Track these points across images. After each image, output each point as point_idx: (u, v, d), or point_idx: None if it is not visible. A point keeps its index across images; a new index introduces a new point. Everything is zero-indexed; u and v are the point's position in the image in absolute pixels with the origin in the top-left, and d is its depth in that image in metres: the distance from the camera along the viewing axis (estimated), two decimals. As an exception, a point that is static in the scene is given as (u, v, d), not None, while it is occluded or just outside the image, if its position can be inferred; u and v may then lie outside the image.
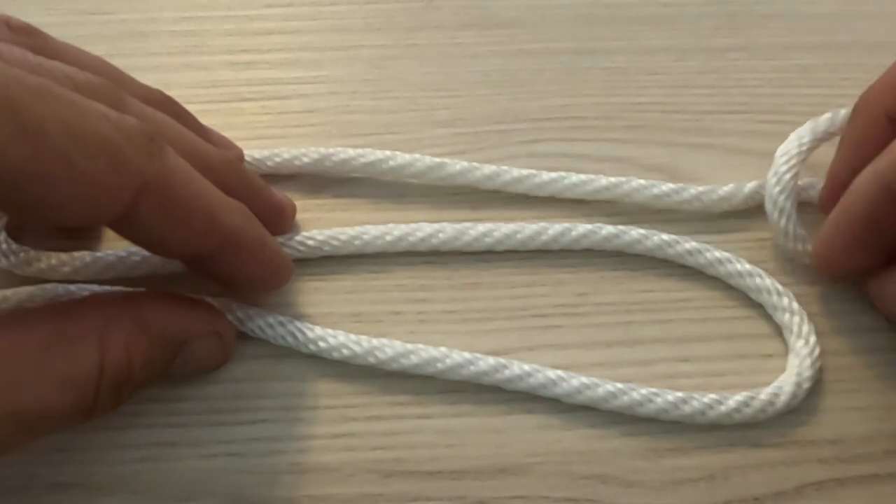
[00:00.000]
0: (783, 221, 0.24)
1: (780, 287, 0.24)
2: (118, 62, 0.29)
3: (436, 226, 0.25)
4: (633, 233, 0.25)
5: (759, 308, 0.24)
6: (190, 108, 0.28)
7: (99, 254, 0.24)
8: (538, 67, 0.30)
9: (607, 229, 0.25)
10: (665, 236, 0.25)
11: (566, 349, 0.24)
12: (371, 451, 0.22)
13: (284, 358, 0.23)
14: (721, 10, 0.33)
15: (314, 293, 0.25)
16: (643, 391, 0.22)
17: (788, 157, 0.25)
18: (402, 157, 0.26)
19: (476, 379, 0.22)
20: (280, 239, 0.25)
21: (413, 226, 0.25)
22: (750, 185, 0.26)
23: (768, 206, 0.25)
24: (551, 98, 0.29)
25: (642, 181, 0.26)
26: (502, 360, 0.22)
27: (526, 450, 0.22)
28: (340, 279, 0.25)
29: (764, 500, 0.21)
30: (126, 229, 0.20)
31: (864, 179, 0.22)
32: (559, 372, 0.22)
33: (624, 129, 0.28)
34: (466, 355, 0.22)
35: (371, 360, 0.22)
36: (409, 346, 0.23)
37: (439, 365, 0.22)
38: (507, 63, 0.31)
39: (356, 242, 0.25)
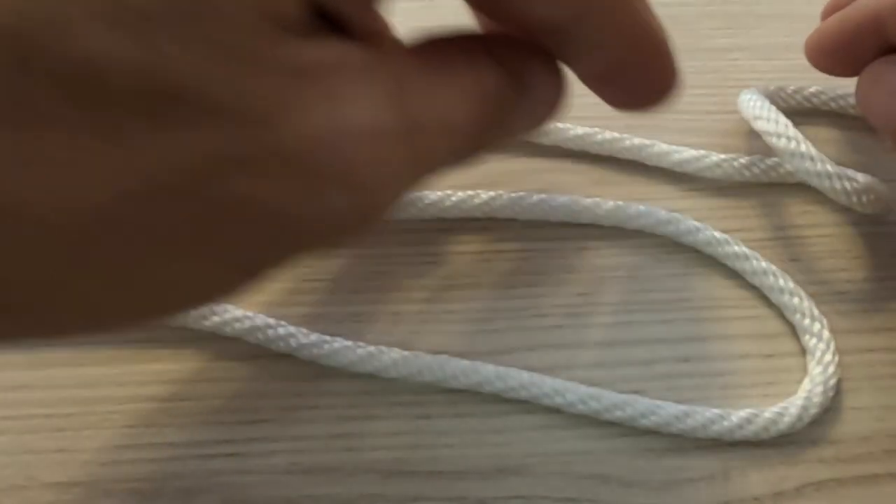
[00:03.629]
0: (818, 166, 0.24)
1: (815, 311, 0.24)
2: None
3: (492, 193, 0.26)
4: (685, 224, 0.25)
5: (763, 308, 0.24)
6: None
7: None
8: (538, 67, 0.30)
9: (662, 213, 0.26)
10: (717, 234, 0.25)
11: (566, 349, 0.24)
12: (371, 451, 0.22)
13: (285, 358, 0.23)
14: (721, 10, 0.33)
15: (314, 293, 0.25)
16: (645, 403, 0.22)
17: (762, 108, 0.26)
18: None
19: (476, 388, 0.22)
20: None
21: (470, 193, 0.26)
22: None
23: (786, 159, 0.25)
24: (551, 98, 0.29)
25: (664, 146, 0.27)
26: (502, 369, 0.22)
27: (526, 450, 0.22)
28: (341, 279, 0.25)
29: (764, 500, 0.21)
30: None
31: (860, 4, 0.24)
32: (560, 381, 0.22)
33: (624, 129, 0.28)
34: (466, 363, 0.22)
35: (369, 367, 0.22)
36: (408, 354, 0.23)
37: (438, 373, 0.22)
38: (507, 63, 0.31)
39: (427, 205, 0.26)
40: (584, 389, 0.22)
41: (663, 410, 0.22)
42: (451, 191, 0.26)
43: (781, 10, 0.33)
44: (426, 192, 0.26)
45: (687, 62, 0.31)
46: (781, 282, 0.24)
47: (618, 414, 0.22)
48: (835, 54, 0.26)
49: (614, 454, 0.22)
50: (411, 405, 0.23)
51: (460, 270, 0.25)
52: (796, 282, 0.24)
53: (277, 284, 0.25)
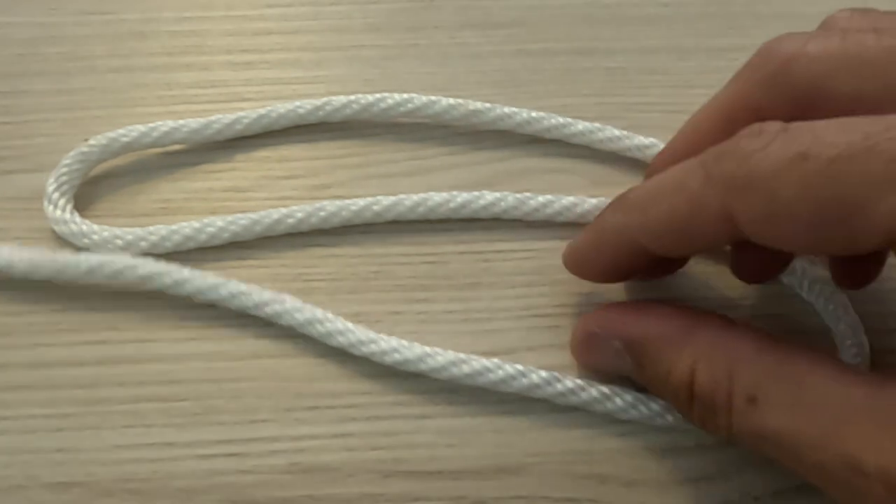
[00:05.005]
0: None
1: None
2: (118, 62, 0.29)
3: (498, 195, 0.26)
4: None
5: (762, 308, 0.24)
6: (190, 108, 0.28)
7: (174, 227, 0.24)
8: (538, 67, 0.30)
9: None
10: None
11: (566, 349, 0.24)
12: (371, 451, 0.22)
13: (285, 358, 0.23)
14: (721, 10, 0.33)
15: (314, 293, 0.25)
16: (633, 394, 0.22)
17: None
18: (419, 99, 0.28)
19: (469, 380, 0.22)
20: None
21: (476, 193, 0.26)
22: None
23: None
24: (551, 98, 0.29)
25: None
26: (496, 361, 0.22)
27: (526, 450, 0.22)
28: (340, 279, 0.25)
29: (764, 499, 0.21)
30: None
31: (612, 226, 0.22)
32: (552, 373, 0.22)
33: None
34: (462, 356, 0.22)
35: (367, 366, 0.22)
36: (409, 354, 0.22)
37: (430, 361, 0.22)
38: (507, 63, 0.31)
39: (430, 205, 0.26)
40: (576, 381, 0.22)
41: (653, 403, 0.22)
42: (455, 192, 0.26)
43: (781, 10, 0.33)
44: (430, 193, 0.26)
45: (687, 62, 0.31)
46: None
47: (609, 406, 0.22)
48: (594, 270, 0.23)
49: (614, 454, 0.22)
50: (411, 405, 0.23)
51: (460, 270, 0.25)
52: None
53: (278, 284, 0.25)
